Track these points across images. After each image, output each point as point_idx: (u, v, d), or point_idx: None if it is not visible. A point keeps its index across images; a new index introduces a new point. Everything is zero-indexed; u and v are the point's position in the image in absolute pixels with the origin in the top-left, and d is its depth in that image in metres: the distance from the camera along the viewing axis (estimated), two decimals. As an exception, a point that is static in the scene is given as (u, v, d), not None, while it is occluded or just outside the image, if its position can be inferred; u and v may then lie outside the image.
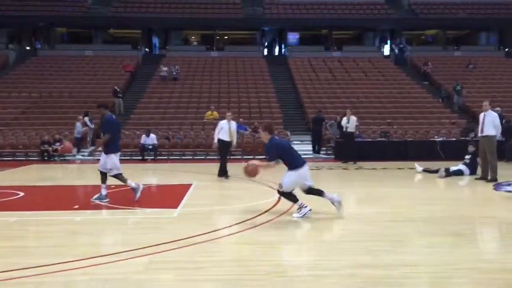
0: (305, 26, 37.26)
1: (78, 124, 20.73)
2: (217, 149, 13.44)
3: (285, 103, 26.49)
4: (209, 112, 23.40)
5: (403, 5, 38.34)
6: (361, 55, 33.98)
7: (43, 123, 23.11)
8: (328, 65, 31.96)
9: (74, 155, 20.23)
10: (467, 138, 18.30)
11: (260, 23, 37.05)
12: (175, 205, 8.44)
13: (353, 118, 17.68)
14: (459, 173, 13.00)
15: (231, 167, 12.89)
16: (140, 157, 19.65)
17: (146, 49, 37.74)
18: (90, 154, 8.86)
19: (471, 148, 13.33)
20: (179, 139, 21.17)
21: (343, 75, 30.24)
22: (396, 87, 28.42)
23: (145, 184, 12.31)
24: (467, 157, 13.29)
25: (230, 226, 6.84)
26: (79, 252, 5.45)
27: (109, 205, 8.51)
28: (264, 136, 7.61)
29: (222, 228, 6.83)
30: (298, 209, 7.30)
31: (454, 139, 19.69)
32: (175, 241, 5.84)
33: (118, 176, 8.75)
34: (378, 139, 20.11)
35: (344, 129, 17.72)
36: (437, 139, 19.30)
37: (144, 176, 14.85)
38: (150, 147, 19.74)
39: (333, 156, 19.68)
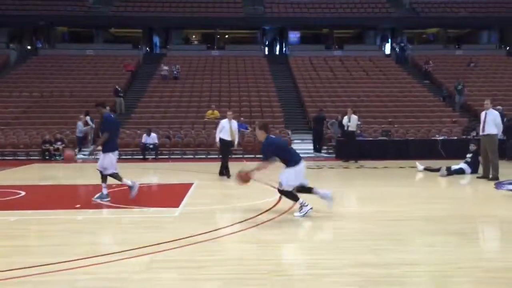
0: (306, 25, 37.24)
1: (80, 123, 20.75)
2: (218, 148, 13.44)
3: (286, 102, 26.48)
4: (210, 111, 23.40)
5: (404, 3, 38.31)
6: (362, 54, 33.94)
7: (44, 122, 23.13)
8: (329, 64, 31.94)
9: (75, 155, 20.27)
10: (469, 137, 18.28)
11: (261, 22, 37.04)
12: (176, 204, 8.44)
13: (354, 117, 17.67)
14: (461, 171, 12.99)
15: (232, 166, 12.88)
16: (141, 156, 19.66)
17: (147, 48, 37.75)
18: (90, 153, 8.87)
19: (472, 147, 13.32)
20: (180, 138, 21.18)
21: (344, 74, 30.22)
22: (397, 86, 28.41)
23: (146, 184, 12.36)
24: (469, 155, 13.29)
25: (231, 225, 6.84)
26: (80, 251, 5.45)
27: (111, 204, 8.51)
28: (261, 135, 7.63)
29: (223, 227, 6.84)
30: (299, 208, 7.30)
31: (455, 137, 19.67)
32: (177, 240, 5.85)
33: (113, 175, 8.74)
34: (379, 138, 20.11)
35: (345, 128, 17.71)
36: (438, 138, 19.29)
37: (145, 175, 14.86)
38: (151, 146, 19.75)
39: (334, 155, 19.69)
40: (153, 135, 19.94)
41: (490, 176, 11.78)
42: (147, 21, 35.94)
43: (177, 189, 10.86)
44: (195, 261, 5.08)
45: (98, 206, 8.44)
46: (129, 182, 8.77)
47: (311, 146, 21.03)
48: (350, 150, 17.66)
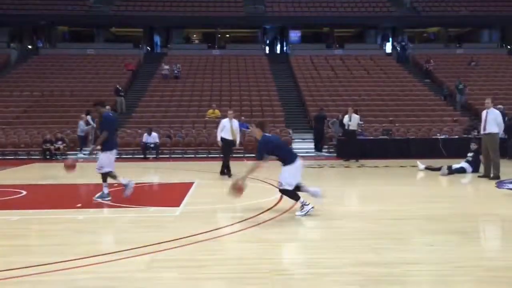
0: (306, 24, 37.19)
1: (81, 123, 20.75)
2: (220, 147, 13.43)
3: (287, 101, 26.47)
4: (210, 111, 23.39)
5: (405, 2, 38.26)
6: (363, 52, 33.89)
7: (45, 121, 23.13)
8: (330, 63, 31.91)
9: (76, 154, 20.28)
10: (470, 136, 18.27)
11: (261, 21, 37.01)
12: (177, 204, 8.44)
13: (355, 116, 17.66)
14: (462, 170, 12.98)
15: (233, 166, 12.89)
16: (142, 156, 19.67)
17: (148, 48, 37.75)
18: (90, 152, 8.89)
19: (473, 146, 13.31)
20: (181, 137, 21.18)
21: (345, 73, 30.19)
22: (398, 85, 28.38)
23: (147, 183, 12.37)
24: (470, 154, 13.27)
25: (232, 224, 6.84)
26: (81, 250, 5.45)
27: (111, 203, 8.52)
28: (257, 133, 7.65)
29: (224, 226, 6.83)
30: (300, 207, 7.30)
31: (456, 136, 19.65)
32: (177, 239, 5.85)
33: (109, 174, 8.74)
34: (380, 137, 20.10)
35: (346, 127, 17.70)
36: (439, 137, 19.28)
37: (146, 174, 14.89)
38: (152, 145, 19.75)
39: (335, 154, 19.68)
40: (154, 134, 19.94)
41: (491, 175, 11.77)
42: (148, 20, 35.93)
43: (178, 188, 10.86)
44: (195, 260, 5.08)
45: (99, 206, 8.45)
46: (124, 181, 8.76)
47: (312, 145, 21.03)
48: (351, 149, 17.65)
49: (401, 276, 4.56)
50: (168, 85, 28.29)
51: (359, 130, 18.75)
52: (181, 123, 23.09)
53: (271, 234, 6.29)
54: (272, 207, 7.93)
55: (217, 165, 13.56)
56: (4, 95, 26.47)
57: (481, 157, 12.50)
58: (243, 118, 21.60)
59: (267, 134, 7.71)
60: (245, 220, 7.03)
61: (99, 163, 8.73)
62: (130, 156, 20.17)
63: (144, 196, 10.15)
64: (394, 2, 37.54)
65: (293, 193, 7.42)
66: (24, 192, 10.04)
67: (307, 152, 20.56)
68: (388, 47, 37.58)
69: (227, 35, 40.45)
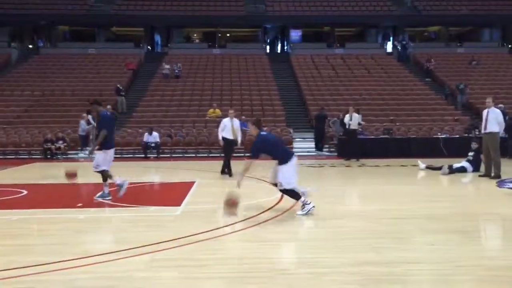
0: (307, 23, 37.18)
1: (83, 122, 20.75)
2: (222, 146, 13.43)
3: (287, 101, 26.46)
4: (211, 110, 23.39)
5: (406, 1, 38.23)
6: (364, 52, 33.87)
7: (46, 121, 23.14)
8: (331, 62, 31.89)
9: (77, 154, 20.32)
10: (471, 135, 18.25)
11: (262, 20, 37.00)
12: (178, 203, 8.45)
13: (356, 115, 17.65)
14: (462, 170, 12.97)
15: (234, 165, 12.87)
16: (142, 155, 19.66)
17: (149, 47, 37.74)
18: (90, 152, 8.90)
19: (474, 145, 13.30)
20: (182, 137, 21.18)
21: (345, 72, 30.17)
22: (399, 84, 28.35)
23: (147, 182, 12.38)
24: (470, 154, 13.26)
25: (233, 224, 6.83)
26: (80, 250, 5.46)
27: (112, 203, 8.52)
28: (253, 131, 7.66)
29: (225, 226, 6.82)
30: (301, 206, 7.30)
31: (457, 136, 19.63)
32: (178, 239, 5.85)
33: (104, 173, 8.74)
34: (381, 136, 20.09)
35: (346, 126, 17.69)
36: (440, 136, 19.26)
37: (146, 174, 14.89)
38: (153, 145, 19.75)
39: (336, 154, 19.66)
40: (155, 133, 19.94)
41: (492, 174, 11.76)
42: (148, 19, 35.94)
43: (179, 188, 10.86)
44: (196, 259, 5.08)
45: (100, 205, 8.45)
46: (119, 181, 8.76)
47: (312, 145, 21.03)
48: (352, 148, 17.64)
49: (401, 276, 4.56)
50: (169, 85, 28.29)
51: (360, 129, 18.74)
52: (181, 123, 23.09)
53: (272, 234, 6.28)
54: (272, 207, 7.93)
55: (218, 164, 13.55)
56: (5, 95, 26.48)
57: (482, 156, 12.49)
58: (243, 117, 21.59)
59: (263, 133, 7.69)
60: (246, 219, 7.03)
61: (95, 161, 8.76)
62: (131, 155, 20.18)
63: (144, 195, 10.16)
64: (395, 1, 37.51)
65: (294, 193, 7.41)
66: (25, 192, 10.04)
67: (308, 152, 20.57)
68: (389, 46, 37.54)
69: (228, 35, 40.43)
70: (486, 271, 4.67)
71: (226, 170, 12.77)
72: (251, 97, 26.18)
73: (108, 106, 21.55)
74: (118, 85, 25.68)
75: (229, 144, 12.90)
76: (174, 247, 5.52)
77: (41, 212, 7.93)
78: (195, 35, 41.70)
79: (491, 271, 4.68)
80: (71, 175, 9.02)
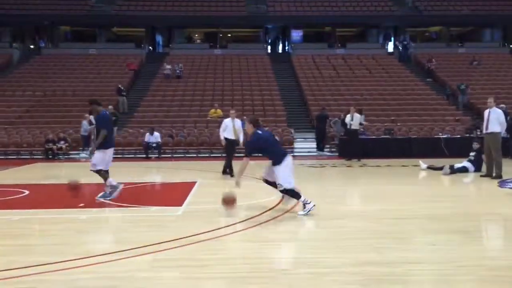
0: (308, 24, 37.18)
1: (85, 122, 20.76)
2: (224, 146, 13.43)
3: (288, 101, 26.46)
4: (212, 110, 23.40)
5: (407, 2, 38.21)
6: (365, 52, 33.85)
7: (47, 121, 23.16)
8: (332, 62, 31.88)
9: (78, 154, 20.34)
10: (472, 135, 18.24)
11: (263, 20, 37.00)
12: (179, 203, 8.46)
13: (357, 116, 17.65)
14: (464, 170, 12.96)
15: (236, 165, 12.85)
16: (144, 155, 19.68)
17: (150, 47, 37.74)
18: (91, 152, 8.92)
19: (475, 145, 13.29)
20: (183, 137, 21.19)
21: (346, 72, 30.16)
22: (400, 84, 28.34)
23: (149, 182, 12.39)
24: (472, 154, 13.25)
25: (234, 224, 6.84)
26: (82, 250, 5.46)
27: (114, 203, 8.53)
28: (250, 129, 7.72)
29: (226, 226, 6.83)
30: (302, 206, 7.30)
31: (458, 136, 19.62)
32: (179, 239, 5.85)
33: (100, 172, 8.74)
34: (382, 136, 20.08)
35: (348, 127, 17.68)
36: (441, 136, 19.25)
37: (148, 174, 14.90)
38: (154, 145, 19.76)
39: (337, 154, 19.66)
40: (156, 134, 19.95)
41: (494, 174, 11.75)
42: (149, 20, 35.95)
43: (180, 188, 10.87)
44: (197, 260, 5.08)
45: (102, 205, 8.46)
46: (114, 183, 8.76)
47: (314, 145, 21.04)
48: (353, 148, 17.64)
49: (403, 276, 4.56)
50: (170, 85, 28.30)
51: (361, 129, 18.73)
52: (183, 123, 23.09)
53: (273, 234, 6.29)
54: (274, 207, 7.93)
55: (219, 164, 13.56)
56: (6, 95, 26.51)
57: (484, 156, 12.49)
58: (245, 117, 21.58)
59: (258, 132, 7.69)
60: (248, 219, 7.04)
61: (92, 160, 8.78)
62: (132, 155, 20.20)
63: (146, 195, 10.17)
64: (396, 1, 37.49)
65: (294, 192, 7.42)
66: (27, 192, 10.06)
67: (309, 152, 20.59)
68: (390, 47, 37.52)
69: (229, 35, 40.43)
70: (488, 271, 4.66)
71: (228, 170, 12.77)
72: (253, 97, 26.19)
73: (110, 107, 21.59)
74: (120, 85, 25.70)
75: (230, 144, 12.91)
76: (175, 247, 5.52)
77: (42, 212, 7.94)
78: (196, 35, 41.70)
79: (492, 271, 4.68)
80: (74, 187, 9.01)
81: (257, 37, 39.10)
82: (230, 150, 12.98)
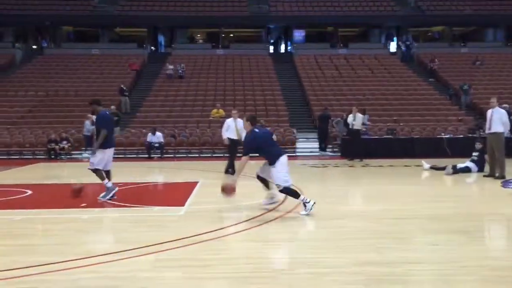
0: (310, 24, 37.18)
1: (87, 123, 20.77)
2: (227, 146, 13.43)
3: (291, 101, 26.46)
4: (214, 110, 23.41)
5: (409, 2, 38.19)
6: (367, 52, 33.84)
7: (50, 121, 23.21)
8: (334, 63, 31.87)
9: (81, 154, 20.36)
10: (475, 135, 18.20)
11: (265, 20, 37.01)
12: (181, 203, 8.46)
13: (359, 116, 17.62)
14: (467, 170, 12.94)
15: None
16: (146, 155, 19.70)
17: (152, 48, 37.80)
18: (93, 153, 8.93)
19: (478, 145, 13.27)
20: (185, 137, 21.21)
21: (349, 72, 30.15)
22: (403, 84, 28.32)
23: (151, 182, 12.39)
24: (475, 154, 13.23)
25: (236, 224, 6.84)
26: (84, 250, 5.47)
27: (116, 203, 8.53)
28: (247, 127, 7.76)
29: (228, 226, 6.84)
30: (303, 206, 7.31)
31: (461, 136, 19.59)
32: (182, 239, 5.85)
33: (97, 172, 8.75)
34: (385, 136, 20.05)
35: (350, 127, 17.66)
36: (444, 136, 19.22)
37: (150, 174, 14.91)
38: (157, 145, 19.78)
39: (339, 154, 19.63)
40: (158, 134, 19.97)
41: (497, 174, 11.73)
42: (152, 20, 36.00)
43: (182, 188, 10.87)
44: (200, 259, 5.08)
45: (104, 205, 8.47)
46: (108, 184, 8.76)
47: (316, 145, 21.02)
48: (355, 148, 17.62)
49: (403, 276, 4.55)
50: (173, 85, 28.33)
51: (364, 129, 18.71)
52: (185, 123, 23.12)
53: (276, 234, 6.29)
54: (276, 207, 7.92)
55: (222, 164, 13.56)
56: (9, 95, 26.58)
57: (486, 156, 12.46)
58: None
59: (255, 130, 7.70)
60: (250, 219, 7.04)
61: (91, 159, 8.79)
62: (135, 155, 20.23)
63: (148, 195, 10.18)
64: (399, 1, 37.47)
65: (293, 192, 7.47)
66: (29, 192, 10.08)
67: (311, 152, 20.58)
68: (393, 46, 37.49)
69: (231, 35, 40.46)
70: (490, 271, 4.65)
71: (230, 171, 12.75)
72: (255, 97, 26.19)
73: (112, 107, 21.60)
74: (122, 86, 25.74)
75: (233, 144, 12.91)
76: (177, 247, 5.53)
77: (45, 212, 7.95)
78: (198, 35, 41.75)
79: (495, 271, 4.67)
80: (77, 190, 9.01)
81: (259, 37, 39.12)
82: (232, 150, 12.98)
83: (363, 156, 17.25)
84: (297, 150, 20.70)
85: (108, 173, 8.88)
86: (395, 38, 38.00)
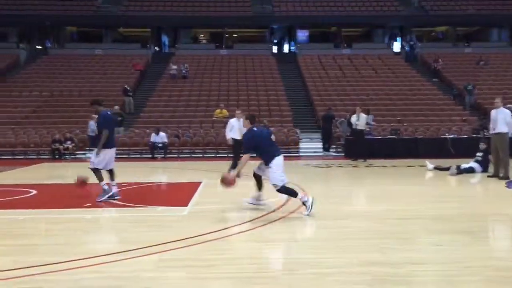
0: (314, 24, 37.12)
1: (92, 123, 20.72)
2: (231, 146, 13.44)
3: (294, 101, 26.44)
4: (218, 110, 23.41)
5: (413, 1, 38.10)
6: (371, 52, 33.79)
7: (54, 121, 23.25)
8: (338, 63, 31.83)
9: (85, 154, 20.39)
10: (479, 136, 18.15)
11: (269, 20, 37.00)
12: (185, 203, 8.46)
13: (363, 116, 17.60)
14: (471, 170, 12.91)
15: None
16: (150, 155, 19.71)
17: (156, 48, 37.82)
18: (97, 153, 8.95)
19: (482, 145, 13.24)
20: (189, 137, 21.22)
21: (352, 72, 30.11)
22: (407, 84, 28.26)
23: (155, 182, 12.40)
24: (479, 154, 13.20)
25: (240, 224, 6.84)
26: (87, 250, 5.48)
27: (119, 203, 8.55)
28: (247, 125, 7.83)
29: (232, 226, 6.84)
30: (304, 205, 7.32)
31: (465, 136, 19.53)
32: (185, 239, 5.86)
33: (96, 172, 8.76)
34: (388, 136, 20.01)
35: (354, 127, 17.65)
36: (448, 136, 19.17)
37: (154, 174, 14.93)
38: (160, 145, 19.80)
39: (343, 154, 19.61)
40: (162, 134, 19.99)
41: (501, 174, 11.70)
42: (155, 20, 36.01)
43: (186, 188, 10.88)
44: (203, 260, 5.08)
45: (107, 205, 8.48)
46: (106, 187, 8.77)
47: (319, 145, 21.00)
48: (359, 148, 17.59)
49: (406, 276, 4.54)
50: (176, 85, 28.35)
51: (367, 129, 18.68)
52: (189, 123, 23.13)
53: (279, 234, 6.29)
54: (280, 207, 7.92)
55: (225, 164, 13.55)
56: (13, 95, 26.66)
57: (491, 156, 12.43)
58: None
59: (254, 129, 7.73)
60: (253, 219, 7.04)
61: (92, 158, 8.80)
62: (138, 155, 20.24)
63: (152, 195, 10.20)
64: (402, 1, 37.39)
65: (291, 190, 7.49)
66: (34, 192, 10.11)
67: (315, 152, 20.56)
68: (396, 46, 37.43)
69: (235, 35, 40.45)
70: (495, 272, 4.64)
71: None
72: (258, 97, 26.18)
73: (116, 107, 21.65)
74: (126, 86, 25.77)
75: (237, 145, 12.90)
76: (181, 247, 5.53)
77: (49, 212, 7.98)
78: (202, 35, 41.75)
79: (499, 271, 4.65)
80: (81, 182, 9.03)
81: (263, 37, 39.10)
82: (236, 150, 12.98)
83: (366, 156, 17.23)
84: (300, 150, 20.68)
85: (111, 173, 8.89)
86: (398, 38, 37.92)
